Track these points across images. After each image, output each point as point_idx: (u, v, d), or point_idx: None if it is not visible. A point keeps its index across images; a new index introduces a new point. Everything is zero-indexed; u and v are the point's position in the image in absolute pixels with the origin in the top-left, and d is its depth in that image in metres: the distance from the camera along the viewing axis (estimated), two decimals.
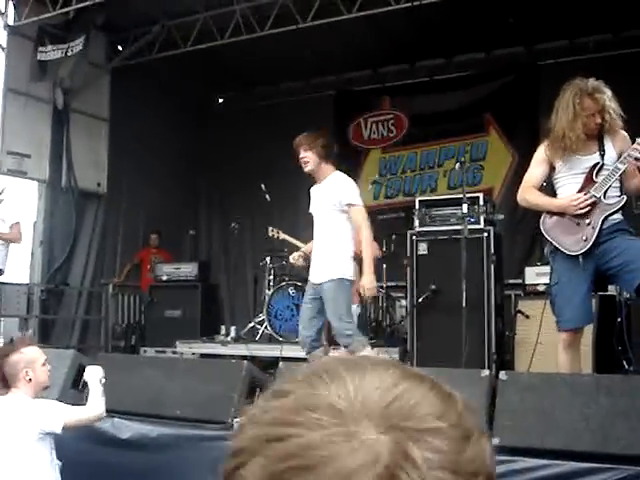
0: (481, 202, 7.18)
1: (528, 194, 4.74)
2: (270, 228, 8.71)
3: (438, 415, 0.67)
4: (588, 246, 4.43)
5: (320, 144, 5.87)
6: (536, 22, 9.88)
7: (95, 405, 4.16)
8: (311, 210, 6.00)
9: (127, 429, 4.92)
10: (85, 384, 4.28)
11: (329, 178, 5.91)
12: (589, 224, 4.46)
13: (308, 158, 5.86)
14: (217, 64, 11.31)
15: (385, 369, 0.72)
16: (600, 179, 4.49)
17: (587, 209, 4.46)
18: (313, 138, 5.92)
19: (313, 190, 6.05)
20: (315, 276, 5.67)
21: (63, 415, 3.99)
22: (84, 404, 4.59)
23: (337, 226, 5.75)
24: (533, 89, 10.61)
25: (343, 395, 0.67)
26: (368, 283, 5.48)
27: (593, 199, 4.46)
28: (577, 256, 4.47)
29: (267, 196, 9.60)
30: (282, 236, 8.47)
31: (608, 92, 4.49)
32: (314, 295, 5.63)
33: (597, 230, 4.43)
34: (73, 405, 4.17)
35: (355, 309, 6.87)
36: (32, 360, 4.05)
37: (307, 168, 5.88)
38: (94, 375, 4.32)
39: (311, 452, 0.63)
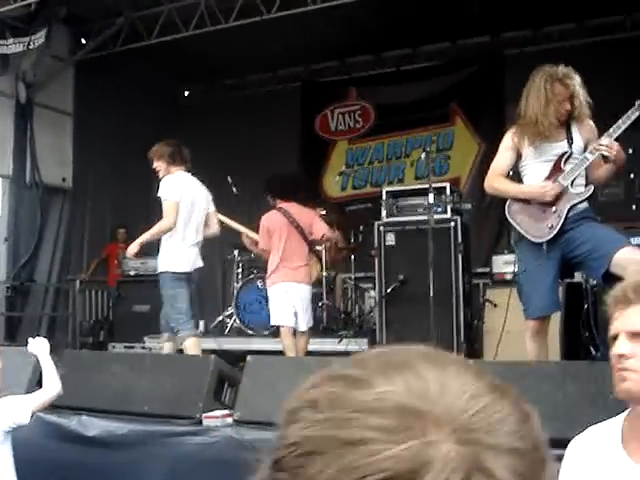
0: (448, 192, 7.19)
1: (496, 181, 4.73)
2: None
3: (520, 435, 0.65)
4: (553, 234, 4.44)
5: (167, 153, 6.62)
6: (501, 11, 9.90)
7: (53, 382, 4.06)
8: None
9: (94, 426, 4.86)
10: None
11: None
12: (555, 212, 4.47)
13: (159, 167, 6.65)
14: (182, 56, 11.20)
15: (465, 370, 0.69)
16: (568, 168, 4.49)
17: (554, 197, 4.47)
18: (160, 149, 6.70)
19: None
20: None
21: (28, 404, 3.91)
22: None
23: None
24: (498, 78, 10.66)
25: (425, 396, 0.64)
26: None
27: (561, 187, 4.47)
28: (542, 244, 4.48)
29: (234, 189, 9.53)
30: (220, 217, 7.76)
31: (578, 78, 4.50)
32: None
33: (563, 218, 4.44)
34: None
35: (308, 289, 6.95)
36: None
37: (160, 175, 6.63)
38: (41, 348, 4.22)
39: (386, 462, 0.60)
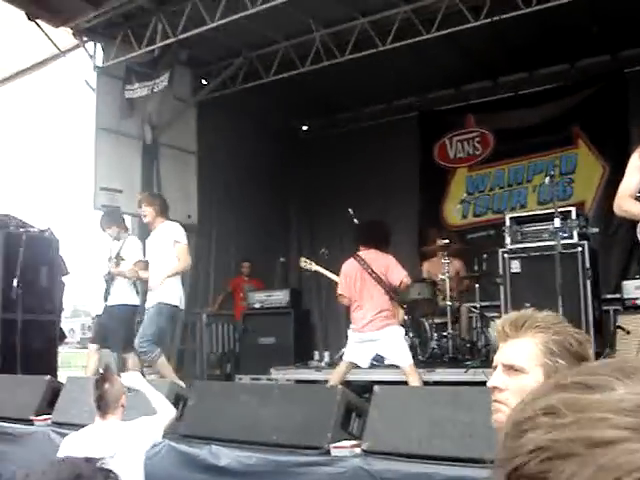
0: (573, 216, 7.00)
1: (624, 203, 4.56)
2: (302, 259, 8.53)
3: None
4: None
5: (158, 204, 7.77)
6: (621, 29, 9.64)
7: (168, 407, 4.29)
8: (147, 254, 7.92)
9: (224, 456, 4.93)
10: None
11: (160, 226, 7.74)
12: None
13: (146, 212, 7.74)
14: (300, 92, 11.43)
15: None
16: None
17: None
18: (153, 199, 7.97)
19: (149, 239, 7.93)
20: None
21: (160, 424, 4.13)
22: (182, 432, 4.66)
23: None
24: (621, 98, 10.34)
25: None
26: None
27: None
28: None
29: (355, 220, 9.56)
30: (314, 267, 8.25)
31: None
32: None
33: None
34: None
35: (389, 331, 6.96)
36: (123, 387, 4.17)
37: (145, 220, 7.84)
38: (136, 380, 4.43)
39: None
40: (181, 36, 9.29)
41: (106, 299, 8.04)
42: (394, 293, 7.09)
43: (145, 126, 10.79)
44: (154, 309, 7.48)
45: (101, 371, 4.32)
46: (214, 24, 8.96)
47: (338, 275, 7.44)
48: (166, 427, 4.32)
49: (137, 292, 8.18)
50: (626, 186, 4.59)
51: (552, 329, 1.95)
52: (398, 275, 7.02)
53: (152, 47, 9.68)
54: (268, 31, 10.23)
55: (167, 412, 4.34)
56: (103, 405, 4.10)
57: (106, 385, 4.10)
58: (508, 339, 1.96)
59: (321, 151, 12.81)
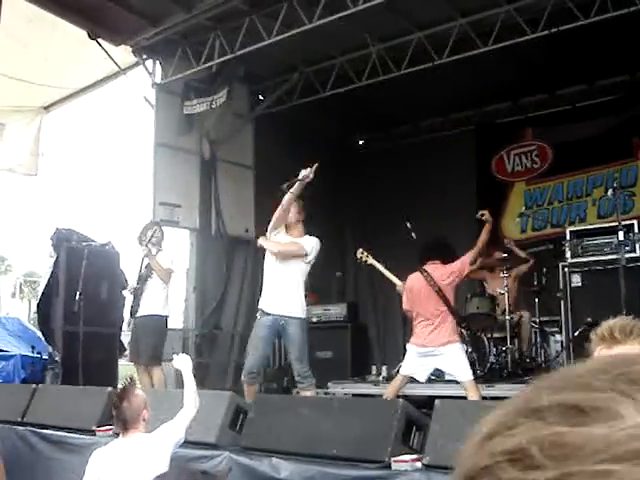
0: (636, 229, 6.89)
1: None
2: (360, 250, 8.12)
3: None
4: None
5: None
6: None
7: (192, 398, 4.32)
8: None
9: (284, 468, 4.93)
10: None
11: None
12: None
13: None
14: (356, 106, 11.47)
15: None
16: None
17: None
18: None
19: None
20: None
21: (180, 424, 4.18)
22: (243, 445, 4.69)
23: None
24: None
25: None
26: None
27: None
28: None
29: (413, 234, 9.52)
30: (370, 261, 7.87)
31: None
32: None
33: None
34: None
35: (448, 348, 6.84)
36: (146, 400, 4.21)
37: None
38: (185, 364, 4.46)
39: None
40: (239, 52, 9.40)
41: (133, 314, 8.15)
42: (456, 311, 7.02)
43: (203, 141, 10.92)
44: (297, 326, 6.93)
45: (120, 386, 4.39)
46: (271, 40, 9.05)
47: (393, 273, 7.40)
48: (190, 420, 4.37)
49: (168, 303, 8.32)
50: None
51: None
52: (462, 259, 6.93)
53: (210, 63, 9.81)
54: (324, 46, 10.30)
55: (190, 410, 4.38)
56: (122, 422, 4.16)
57: (124, 403, 4.14)
58: (616, 345, 1.93)
59: (377, 165, 12.80)
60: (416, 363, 6.92)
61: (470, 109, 12.37)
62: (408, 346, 7.05)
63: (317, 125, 12.07)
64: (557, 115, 11.60)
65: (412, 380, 8.34)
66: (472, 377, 6.78)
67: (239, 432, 5.31)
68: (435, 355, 6.80)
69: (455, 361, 6.79)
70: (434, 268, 6.94)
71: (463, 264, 6.88)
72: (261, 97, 11.78)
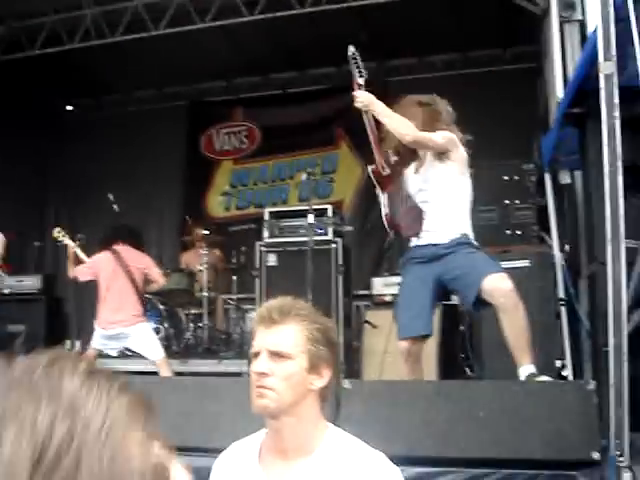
0: (329, 213, 7.25)
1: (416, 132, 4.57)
2: (57, 229, 7.71)
3: None
4: None
5: None
6: (387, 39, 10.10)
7: None
8: None
9: None
10: None
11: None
12: None
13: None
14: (66, 70, 10.88)
15: None
16: None
17: None
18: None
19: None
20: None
21: None
22: None
23: None
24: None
25: None
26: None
27: None
28: (424, 262, 4.53)
29: (115, 207, 9.29)
30: (67, 241, 7.55)
31: None
32: None
33: None
34: None
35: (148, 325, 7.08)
36: None
37: None
38: None
39: None
40: None
41: None
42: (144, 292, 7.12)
43: None
44: None
45: None
46: None
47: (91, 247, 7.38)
48: None
49: None
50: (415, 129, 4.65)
51: (313, 317, 2.04)
52: (156, 274, 7.08)
53: None
54: (36, 1, 9.67)
55: None
56: None
57: None
58: (274, 325, 1.98)
59: (87, 133, 12.28)
60: (104, 343, 6.93)
61: (184, 84, 12.28)
62: (95, 326, 7.02)
63: (23, 87, 11.32)
64: (268, 98, 11.90)
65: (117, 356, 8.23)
66: (163, 355, 6.82)
67: None
68: (123, 337, 6.82)
69: (143, 341, 6.83)
70: (126, 250, 6.96)
71: (157, 278, 7.11)
72: None
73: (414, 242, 4.68)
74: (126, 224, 7.62)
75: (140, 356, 7.03)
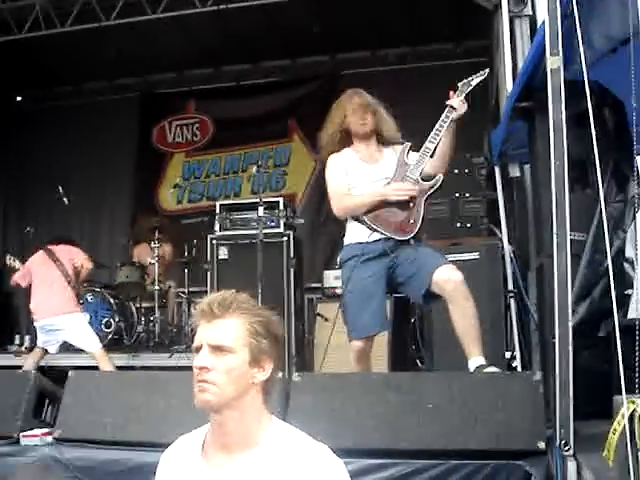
0: (281, 206, 7.24)
1: (346, 200, 4.58)
2: (8, 256, 7.63)
3: None
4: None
5: None
6: (340, 32, 10.12)
7: None
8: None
9: None
10: None
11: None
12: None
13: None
14: (16, 60, 10.68)
15: None
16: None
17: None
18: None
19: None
20: None
21: None
22: None
23: None
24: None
25: None
26: None
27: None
28: (384, 254, 4.49)
29: (65, 199, 9.15)
30: (17, 265, 7.47)
31: None
32: None
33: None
34: None
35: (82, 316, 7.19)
36: None
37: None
38: None
39: None
40: None
41: None
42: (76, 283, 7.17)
43: None
44: None
45: None
46: None
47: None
48: None
49: None
50: (338, 187, 4.72)
51: (255, 310, 2.04)
52: (82, 259, 7.20)
53: None
54: None
55: None
56: None
57: None
58: (215, 319, 1.98)
59: (36, 125, 12.07)
60: (44, 337, 6.94)
61: (136, 76, 12.14)
62: (34, 322, 7.08)
63: None
64: (220, 91, 11.83)
65: (65, 350, 8.16)
66: (100, 346, 6.86)
67: None
68: (59, 329, 6.85)
69: (78, 332, 6.89)
70: (60, 248, 7.23)
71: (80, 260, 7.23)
72: None
73: (360, 239, 4.59)
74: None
75: (81, 350, 7.03)
